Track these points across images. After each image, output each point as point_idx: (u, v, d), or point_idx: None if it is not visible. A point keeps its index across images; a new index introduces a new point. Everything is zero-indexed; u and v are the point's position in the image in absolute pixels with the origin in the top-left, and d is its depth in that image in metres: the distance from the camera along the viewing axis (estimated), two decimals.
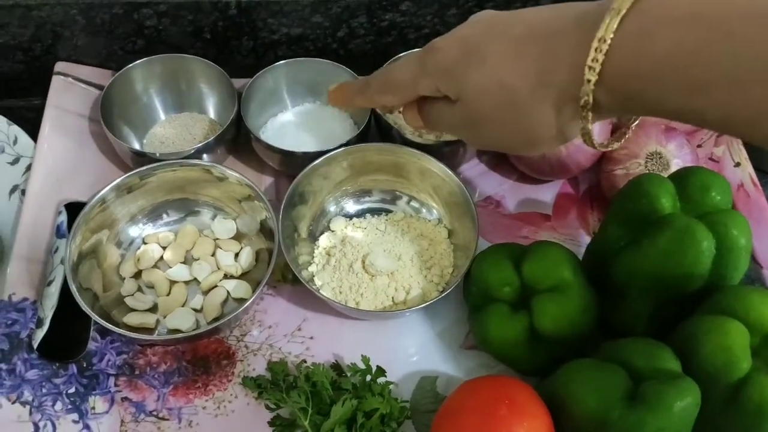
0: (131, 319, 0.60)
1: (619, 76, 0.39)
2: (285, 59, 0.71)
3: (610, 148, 0.49)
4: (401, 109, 0.56)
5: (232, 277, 0.63)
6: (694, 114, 0.38)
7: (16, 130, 0.73)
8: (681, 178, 0.56)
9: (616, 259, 0.56)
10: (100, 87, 0.73)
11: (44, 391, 0.57)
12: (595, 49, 0.38)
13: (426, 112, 0.52)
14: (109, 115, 0.68)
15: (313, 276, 0.63)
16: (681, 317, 0.53)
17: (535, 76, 0.42)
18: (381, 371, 0.57)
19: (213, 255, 0.64)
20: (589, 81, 0.39)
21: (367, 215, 0.68)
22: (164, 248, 0.65)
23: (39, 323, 0.60)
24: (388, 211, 0.68)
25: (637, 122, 0.51)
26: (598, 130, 0.65)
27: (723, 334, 0.49)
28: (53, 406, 0.57)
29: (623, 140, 0.50)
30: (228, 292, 0.62)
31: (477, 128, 0.48)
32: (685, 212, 0.54)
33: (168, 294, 0.62)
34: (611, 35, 0.38)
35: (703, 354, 0.49)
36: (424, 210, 0.68)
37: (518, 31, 0.44)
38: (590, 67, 0.39)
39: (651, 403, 0.46)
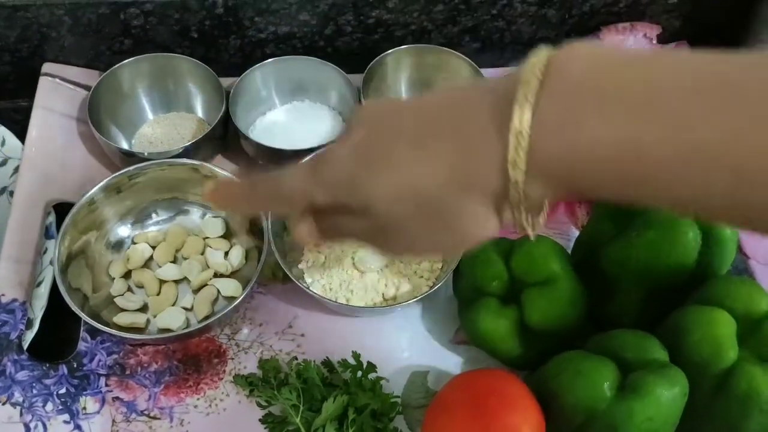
0: (121, 319, 0.60)
1: (549, 169, 0.33)
2: (272, 57, 0.71)
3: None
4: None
5: (222, 275, 0.63)
6: (643, 201, 0.34)
7: (3, 131, 0.73)
8: None
9: (605, 252, 0.56)
10: (87, 87, 0.73)
11: (35, 391, 0.57)
12: (515, 147, 0.33)
13: (326, 225, 0.44)
14: (96, 116, 0.68)
15: (303, 273, 0.63)
16: (669, 308, 0.54)
17: (452, 177, 0.36)
18: (372, 367, 0.57)
19: (202, 254, 0.64)
20: (516, 180, 0.34)
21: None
22: (153, 248, 0.65)
23: (29, 324, 0.60)
24: None
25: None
26: None
27: (710, 324, 0.49)
28: (44, 406, 0.57)
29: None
30: (218, 290, 0.62)
31: (394, 239, 0.41)
32: None
33: (158, 293, 0.62)
34: (527, 128, 0.33)
35: (691, 344, 0.49)
36: None
37: (418, 125, 0.38)
38: (513, 165, 0.33)
39: (639, 392, 0.47)
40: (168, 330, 0.60)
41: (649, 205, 0.34)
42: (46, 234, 0.65)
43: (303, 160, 0.45)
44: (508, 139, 0.33)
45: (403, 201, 0.38)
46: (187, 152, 0.65)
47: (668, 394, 0.47)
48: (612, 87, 0.32)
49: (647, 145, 0.31)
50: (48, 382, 0.58)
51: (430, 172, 0.37)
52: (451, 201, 0.37)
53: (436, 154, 0.36)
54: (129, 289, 0.63)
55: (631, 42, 0.72)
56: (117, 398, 0.58)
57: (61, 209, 0.65)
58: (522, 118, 0.33)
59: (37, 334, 0.60)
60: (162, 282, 0.63)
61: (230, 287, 0.62)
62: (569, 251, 0.59)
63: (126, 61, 0.70)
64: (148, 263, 0.64)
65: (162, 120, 0.74)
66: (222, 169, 0.63)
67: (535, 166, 0.33)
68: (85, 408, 0.57)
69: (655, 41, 0.72)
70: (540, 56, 0.34)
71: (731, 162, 0.29)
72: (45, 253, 0.64)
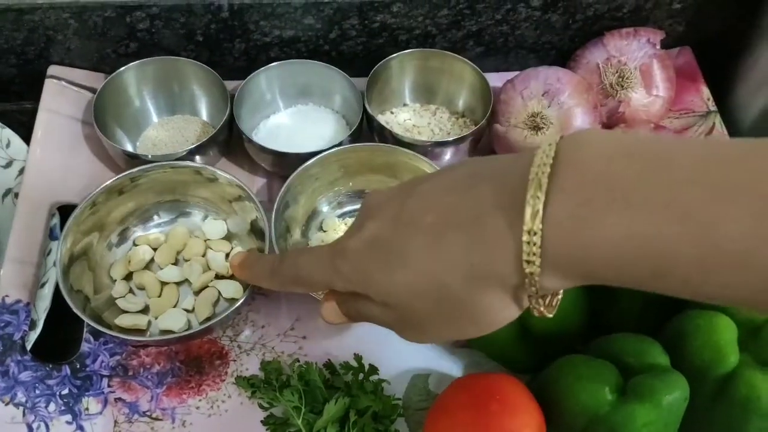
0: (123, 320, 0.60)
1: (564, 264, 0.34)
2: (277, 61, 0.72)
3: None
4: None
5: (223, 277, 0.63)
6: (661, 290, 0.33)
7: (8, 133, 0.73)
8: None
9: None
10: (92, 90, 0.73)
11: (38, 392, 0.58)
12: (527, 243, 0.33)
13: (348, 308, 0.45)
14: (101, 118, 0.68)
15: None
16: (670, 313, 0.54)
17: (469, 270, 0.37)
18: (373, 369, 0.58)
19: (204, 255, 0.65)
20: (531, 274, 0.34)
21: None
22: (155, 250, 0.65)
23: (32, 325, 0.60)
24: None
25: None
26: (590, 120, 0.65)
27: (711, 328, 0.49)
28: (47, 407, 0.57)
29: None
30: (219, 292, 0.62)
31: (415, 328, 0.42)
32: None
33: (159, 295, 0.62)
34: (539, 226, 0.33)
35: (692, 348, 0.49)
36: None
37: (430, 219, 0.38)
38: (528, 261, 0.34)
39: (640, 397, 0.47)
40: (169, 332, 0.60)
41: (671, 294, 0.33)
42: (51, 236, 0.65)
43: (320, 247, 0.46)
44: (521, 236, 0.33)
45: (422, 297, 0.39)
46: (191, 155, 0.66)
47: (669, 398, 0.47)
48: (624, 182, 0.31)
49: (665, 242, 0.30)
50: (51, 382, 0.58)
51: (447, 269, 0.37)
52: (470, 296, 0.38)
53: (453, 251, 0.37)
54: (130, 291, 0.63)
55: (634, 47, 0.72)
56: (119, 399, 0.58)
57: (66, 211, 0.65)
58: (534, 217, 0.33)
59: (40, 335, 0.60)
60: (163, 284, 0.63)
61: (231, 289, 0.62)
62: None
63: (131, 64, 0.70)
64: (149, 265, 0.64)
65: (166, 123, 0.74)
66: (225, 171, 0.63)
67: (549, 261, 0.33)
68: (87, 409, 0.57)
69: (658, 46, 0.72)
70: (547, 148, 0.34)
71: (759, 261, 0.29)
72: (49, 254, 0.64)
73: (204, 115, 0.75)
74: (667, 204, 0.30)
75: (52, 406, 0.57)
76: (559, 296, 0.39)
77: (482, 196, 0.36)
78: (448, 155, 0.68)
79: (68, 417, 0.57)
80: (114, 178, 0.62)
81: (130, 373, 0.59)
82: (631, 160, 0.32)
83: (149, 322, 0.61)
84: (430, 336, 0.43)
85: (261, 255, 0.59)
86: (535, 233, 0.33)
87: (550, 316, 0.39)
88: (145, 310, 0.62)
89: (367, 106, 0.68)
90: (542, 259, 0.33)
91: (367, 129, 0.70)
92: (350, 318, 0.46)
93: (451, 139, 0.67)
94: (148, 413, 0.57)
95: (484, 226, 0.36)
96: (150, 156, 0.65)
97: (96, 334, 0.60)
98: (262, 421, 0.56)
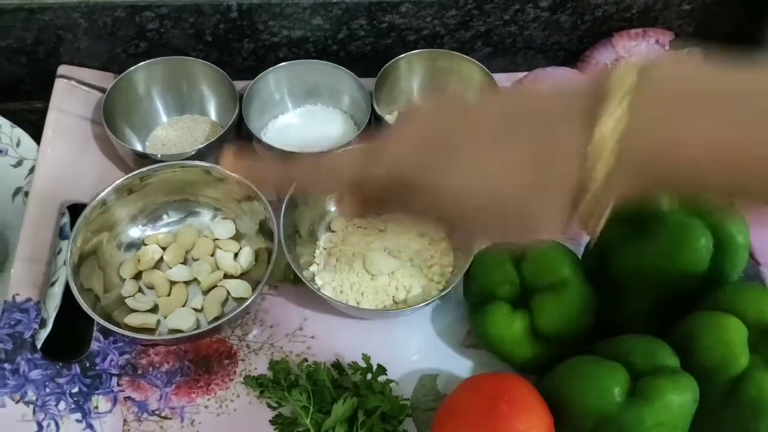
0: (132, 319, 0.60)
1: (635, 167, 0.34)
2: (286, 61, 0.72)
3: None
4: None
5: (231, 276, 0.64)
6: (727, 194, 0.35)
7: (19, 132, 0.73)
8: None
9: (616, 258, 0.56)
10: (102, 90, 0.74)
11: (48, 390, 0.58)
12: (601, 145, 0.34)
13: (375, 200, 0.43)
14: (111, 118, 0.68)
15: (315, 276, 0.63)
16: (680, 314, 0.53)
17: (534, 177, 0.36)
18: (382, 369, 0.58)
19: (212, 255, 0.65)
20: (598, 179, 0.34)
21: (368, 215, 0.68)
22: (164, 249, 0.65)
23: (42, 323, 0.61)
24: None
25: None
26: None
27: (721, 330, 0.49)
28: (57, 405, 0.57)
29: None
30: (228, 291, 0.63)
31: (459, 225, 0.43)
32: (683, 210, 0.55)
33: (168, 294, 0.63)
34: (617, 128, 0.33)
35: (702, 350, 0.49)
36: None
37: (491, 125, 0.38)
38: (598, 163, 0.34)
39: (649, 398, 0.46)
40: (178, 331, 0.60)
41: (732, 196, 0.35)
42: (61, 234, 0.66)
43: (357, 147, 0.45)
44: (595, 138, 0.34)
45: (477, 196, 0.38)
46: (199, 154, 0.66)
47: (679, 399, 0.47)
48: (703, 94, 0.34)
49: (739, 147, 0.32)
50: (61, 381, 0.58)
51: (508, 176, 0.37)
52: (529, 200, 0.37)
53: (515, 158, 0.36)
54: (140, 290, 0.63)
55: (643, 48, 0.72)
56: (129, 398, 0.58)
57: (76, 210, 0.65)
58: (613, 118, 0.33)
59: (50, 333, 0.60)
60: (172, 283, 0.63)
61: (240, 288, 0.62)
62: (580, 257, 0.59)
63: (141, 63, 0.71)
64: (158, 264, 0.65)
65: (175, 122, 0.74)
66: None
67: (621, 165, 0.34)
68: (97, 407, 0.58)
69: (667, 47, 0.72)
70: (628, 65, 0.35)
71: None
72: (59, 253, 0.64)
73: (213, 114, 0.75)
74: (743, 114, 0.32)
75: (62, 405, 0.57)
76: (608, 212, 0.38)
77: (558, 105, 0.36)
78: None
79: (78, 415, 0.57)
80: (123, 178, 0.62)
81: (140, 372, 0.59)
82: (706, 76, 0.35)
83: (158, 321, 0.61)
84: (468, 230, 0.44)
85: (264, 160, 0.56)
86: (610, 134, 0.33)
87: (596, 233, 0.37)
88: (154, 309, 0.62)
89: (375, 106, 0.68)
90: (615, 162, 0.34)
91: (375, 129, 0.70)
92: (378, 210, 0.46)
93: None
94: (157, 412, 0.58)
95: (551, 134, 0.36)
96: (159, 155, 0.65)
97: (105, 332, 0.61)
98: (270, 421, 0.56)
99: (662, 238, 0.52)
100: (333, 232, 0.67)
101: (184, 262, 0.65)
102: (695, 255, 0.52)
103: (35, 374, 0.58)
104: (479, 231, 0.43)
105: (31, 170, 0.71)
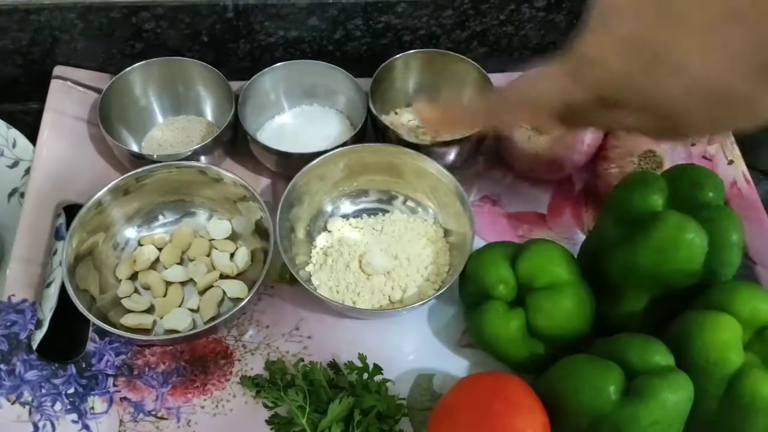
0: (128, 320, 0.60)
1: None
2: (282, 62, 0.72)
3: None
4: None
5: (228, 277, 0.64)
6: None
7: (15, 133, 0.73)
8: (674, 175, 0.57)
9: (610, 257, 0.56)
10: (98, 90, 0.74)
11: (44, 391, 0.58)
12: None
13: (578, 119, 0.42)
14: (107, 118, 0.68)
15: (311, 276, 0.63)
16: (675, 313, 0.54)
17: (750, 66, 0.34)
18: (378, 369, 0.58)
19: (208, 255, 0.65)
20: None
21: (364, 215, 0.68)
22: (160, 249, 0.65)
23: (38, 324, 0.61)
24: (384, 211, 0.68)
25: None
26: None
27: (716, 328, 0.49)
28: (53, 406, 0.57)
29: None
30: (224, 291, 0.63)
31: (680, 130, 0.40)
32: (677, 209, 0.55)
33: (164, 295, 0.63)
34: None
35: (697, 348, 0.49)
36: (420, 210, 0.68)
37: (703, 15, 0.35)
38: None
39: (644, 397, 0.47)
40: (174, 331, 0.60)
41: None
42: (57, 235, 0.66)
43: (550, 66, 0.41)
44: None
45: (701, 100, 0.36)
46: (195, 155, 0.66)
47: (673, 398, 0.47)
48: None
49: None
50: (57, 381, 0.58)
51: (732, 69, 0.35)
52: (757, 92, 0.35)
53: (737, 48, 0.34)
54: (136, 291, 0.63)
55: None
56: (125, 398, 0.58)
57: (71, 211, 0.65)
58: None
59: (46, 334, 0.60)
60: (168, 283, 0.63)
61: (236, 289, 0.62)
62: (575, 255, 0.59)
63: (137, 64, 0.71)
64: (154, 265, 0.65)
65: (171, 123, 0.74)
66: (229, 171, 0.64)
67: None
68: (93, 408, 0.58)
69: None
70: None
71: None
72: (55, 254, 0.64)
73: (209, 115, 0.75)
74: None
75: (58, 405, 0.57)
76: None
77: None
78: (452, 156, 0.68)
79: (74, 416, 0.57)
80: (119, 178, 0.62)
81: (136, 373, 0.59)
82: None
83: (154, 322, 0.61)
84: (686, 133, 0.41)
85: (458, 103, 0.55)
86: None
87: None
88: (150, 310, 0.62)
89: (371, 106, 0.68)
90: None
91: (371, 129, 0.70)
92: (572, 126, 0.43)
93: (454, 139, 0.67)
94: (153, 412, 0.58)
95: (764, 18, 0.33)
96: (155, 156, 0.65)
97: (101, 333, 0.61)
98: (266, 421, 0.56)
99: (657, 237, 0.52)
100: (329, 232, 0.67)
101: (180, 263, 0.65)
102: (690, 254, 0.52)
103: (31, 375, 0.58)
104: (705, 129, 0.41)
105: (27, 171, 0.71)
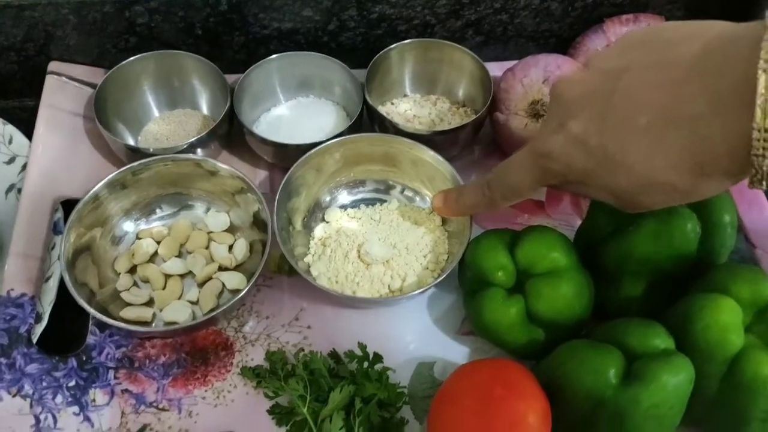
0: (128, 313, 0.60)
1: None
2: (276, 54, 0.72)
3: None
4: None
5: (226, 269, 0.64)
6: None
7: (11, 129, 0.73)
8: None
9: (605, 245, 0.57)
10: (93, 85, 0.74)
11: (44, 384, 0.58)
12: (757, 140, 0.34)
13: (562, 190, 0.51)
14: (103, 113, 0.68)
15: (310, 266, 0.63)
16: (674, 296, 0.54)
17: (695, 168, 0.38)
18: (378, 357, 0.58)
19: (207, 248, 0.65)
20: (760, 168, 0.35)
21: (362, 205, 0.68)
22: (158, 243, 0.65)
23: (38, 318, 0.61)
24: (382, 201, 0.68)
25: None
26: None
27: (716, 311, 0.49)
28: (54, 399, 0.57)
29: None
30: (223, 283, 0.63)
31: (633, 205, 0.45)
32: None
33: (163, 288, 0.63)
34: None
35: (697, 331, 0.49)
36: (417, 198, 0.68)
37: (645, 120, 0.39)
38: (757, 155, 0.34)
39: (645, 380, 0.47)
40: (174, 323, 0.60)
41: None
42: (55, 230, 0.65)
43: (519, 155, 0.51)
44: (750, 133, 0.34)
45: (641, 188, 0.42)
46: (192, 148, 0.66)
47: (674, 381, 0.47)
48: None
49: None
50: (58, 374, 0.58)
51: (672, 169, 0.39)
52: (696, 188, 0.40)
53: (676, 151, 0.38)
54: (135, 284, 0.63)
55: None
56: (126, 390, 0.58)
57: (69, 206, 0.65)
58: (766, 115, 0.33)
59: (46, 327, 0.60)
60: (167, 276, 0.63)
61: (235, 280, 0.62)
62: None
63: (132, 58, 0.70)
64: (153, 258, 0.65)
65: (167, 117, 0.74)
66: (226, 164, 0.64)
67: None
68: (94, 400, 0.58)
69: None
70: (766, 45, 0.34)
71: None
72: (53, 248, 0.64)
73: (204, 108, 0.75)
74: None
75: (59, 398, 0.57)
76: None
77: (698, 93, 0.37)
78: (448, 144, 0.68)
79: (75, 408, 0.57)
80: (116, 172, 0.62)
81: (136, 365, 0.59)
82: None
83: (154, 315, 0.61)
84: (646, 209, 0.46)
85: (460, 188, 0.61)
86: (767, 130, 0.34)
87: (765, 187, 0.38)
88: (149, 303, 0.62)
89: (367, 97, 0.68)
90: None
91: (367, 120, 0.70)
92: (563, 190, 0.52)
93: (451, 128, 0.67)
94: (154, 404, 0.58)
95: (707, 125, 0.36)
96: (151, 149, 0.65)
97: (101, 326, 0.61)
98: (267, 411, 0.56)
99: (650, 224, 0.53)
100: (327, 222, 0.67)
101: (179, 256, 0.65)
102: (684, 239, 0.52)
103: (31, 368, 0.58)
104: (653, 207, 0.45)
105: (24, 167, 0.71)
